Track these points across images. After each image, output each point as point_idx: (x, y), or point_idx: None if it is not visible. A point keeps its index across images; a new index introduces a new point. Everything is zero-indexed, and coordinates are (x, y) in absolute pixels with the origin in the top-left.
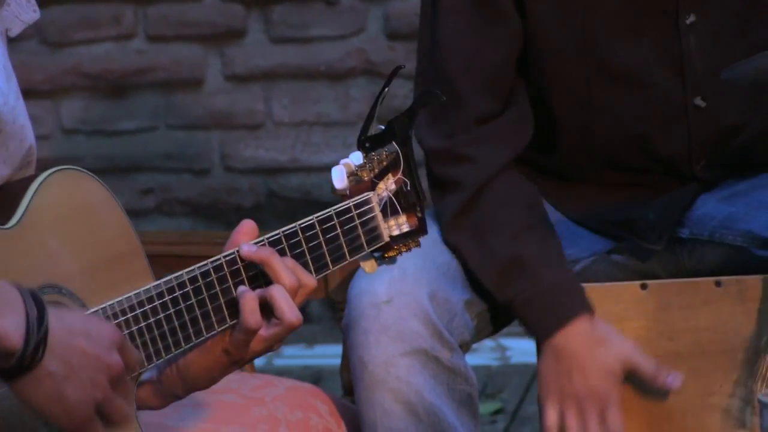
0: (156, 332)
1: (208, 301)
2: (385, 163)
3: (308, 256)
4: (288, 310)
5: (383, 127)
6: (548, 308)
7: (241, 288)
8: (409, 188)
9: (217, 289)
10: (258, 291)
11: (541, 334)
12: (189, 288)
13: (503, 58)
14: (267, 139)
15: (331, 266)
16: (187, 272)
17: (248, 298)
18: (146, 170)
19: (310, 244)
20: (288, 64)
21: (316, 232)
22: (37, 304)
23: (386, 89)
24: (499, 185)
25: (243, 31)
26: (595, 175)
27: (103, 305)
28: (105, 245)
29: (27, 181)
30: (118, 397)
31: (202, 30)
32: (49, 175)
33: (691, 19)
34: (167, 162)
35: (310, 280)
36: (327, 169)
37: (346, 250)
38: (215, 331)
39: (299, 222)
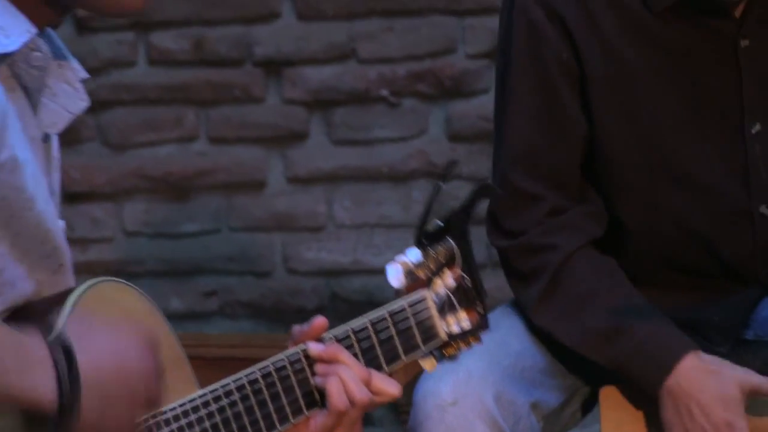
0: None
1: (282, 393)
2: (442, 260)
3: (361, 358)
4: (357, 390)
5: (440, 223)
6: (653, 356)
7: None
8: (468, 284)
9: (293, 380)
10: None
11: (653, 383)
12: (261, 384)
13: (570, 158)
14: (329, 241)
15: (385, 367)
16: (259, 368)
17: (333, 382)
18: (208, 272)
19: (363, 346)
20: (349, 166)
21: (369, 334)
22: (65, 351)
23: (442, 185)
24: (578, 262)
25: (305, 133)
26: (660, 278)
27: (172, 405)
28: None
29: (64, 295)
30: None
31: (263, 132)
32: (87, 288)
33: (757, 128)
34: (229, 264)
35: (392, 388)
36: None
37: (401, 349)
38: (291, 423)
39: (351, 323)
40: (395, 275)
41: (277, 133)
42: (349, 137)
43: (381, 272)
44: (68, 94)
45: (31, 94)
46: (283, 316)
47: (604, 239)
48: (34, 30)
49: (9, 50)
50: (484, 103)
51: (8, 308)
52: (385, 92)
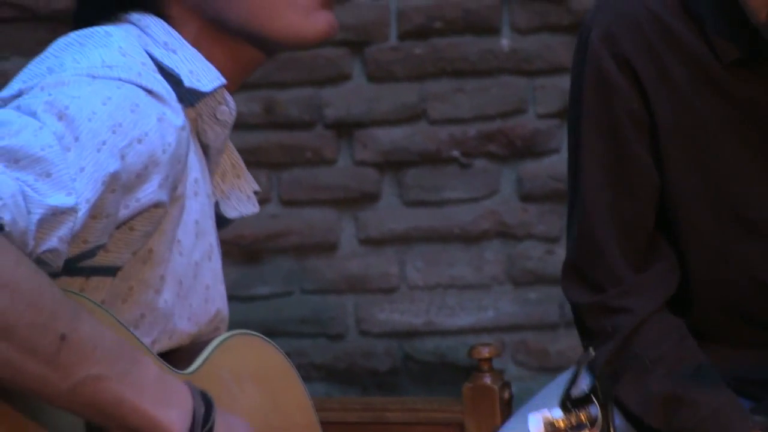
0: None
1: None
2: (583, 420)
3: None
4: None
5: (586, 389)
6: None
7: None
8: None
9: None
10: None
11: None
12: None
13: (643, 211)
14: (401, 303)
15: None
16: None
17: None
18: (281, 335)
19: None
20: (421, 227)
21: None
22: (205, 403)
23: (578, 373)
24: (650, 326)
25: (376, 195)
26: (732, 333)
27: None
28: (282, 413)
29: (209, 338)
30: None
31: (335, 194)
32: (230, 336)
33: None
34: (302, 327)
35: None
36: (462, 332)
37: None
38: None
39: None
40: (536, 426)
41: (349, 195)
42: (421, 198)
43: (454, 333)
44: (240, 200)
45: (210, 157)
46: (356, 378)
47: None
48: (223, 79)
49: (202, 90)
50: (555, 163)
51: (161, 350)
52: (456, 153)
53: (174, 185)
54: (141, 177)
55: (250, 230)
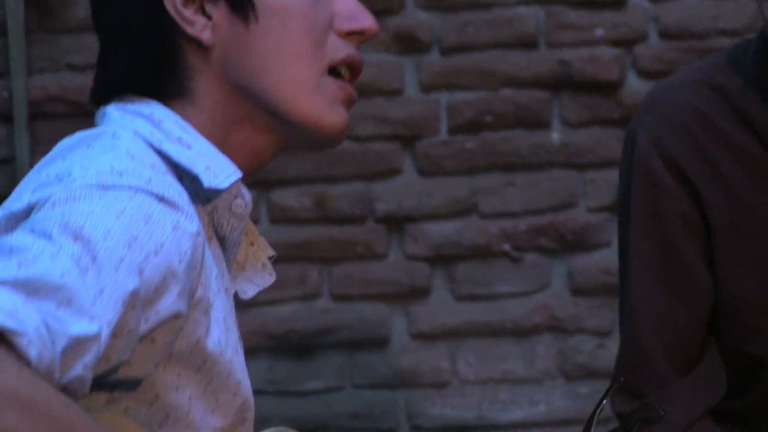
0: None
1: None
2: None
3: None
4: None
5: None
6: None
7: None
8: None
9: None
10: None
11: None
12: None
13: (694, 318)
14: (453, 397)
15: None
16: None
17: None
18: (333, 430)
19: None
20: (473, 322)
21: None
22: None
23: (604, 402)
24: None
25: (427, 289)
26: None
27: None
28: None
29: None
30: None
31: (386, 288)
32: None
33: None
34: (354, 422)
35: None
36: (514, 426)
37: None
38: None
39: None
40: None
41: (400, 290)
42: (472, 292)
43: (506, 428)
44: (256, 270)
45: (228, 248)
46: None
47: (732, 380)
48: (239, 173)
49: (220, 187)
50: (606, 257)
51: None
52: (506, 247)
53: (191, 292)
54: (159, 290)
55: (301, 325)
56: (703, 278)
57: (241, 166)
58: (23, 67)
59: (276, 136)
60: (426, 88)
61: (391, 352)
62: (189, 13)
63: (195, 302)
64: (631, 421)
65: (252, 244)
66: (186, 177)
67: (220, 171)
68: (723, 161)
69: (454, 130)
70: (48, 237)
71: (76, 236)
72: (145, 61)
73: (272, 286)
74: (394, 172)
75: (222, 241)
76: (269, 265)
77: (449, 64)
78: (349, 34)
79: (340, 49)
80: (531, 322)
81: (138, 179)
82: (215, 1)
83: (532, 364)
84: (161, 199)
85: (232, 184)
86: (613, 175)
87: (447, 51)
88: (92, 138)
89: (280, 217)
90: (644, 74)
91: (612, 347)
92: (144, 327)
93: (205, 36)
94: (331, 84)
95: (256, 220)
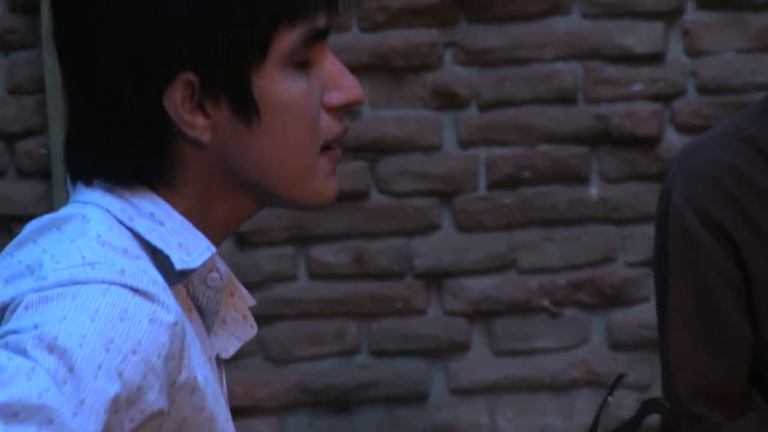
0: None
1: None
2: None
3: None
4: None
5: None
6: None
7: None
8: None
9: None
10: None
11: None
12: None
13: (735, 370)
14: None
15: None
16: None
17: None
18: None
19: None
20: (511, 377)
21: None
22: None
23: (609, 398)
24: None
25: (466, 345)
26: None
27: None
28: None
29: None
30: None
31: (425, 344)
32: None
33: None
34: None
35: None
36: None
37: None
38: None
39: None
40: None
41: (439, 345)
42: (511, 347)
43: None
44: (237, 321)
45: (206, 316)
46: None
47: None
48: (213, 248)
49: (191, 267)
50: (645, 312)
51: None
52: (545, 302)
53: (172, 382)
54: (141, 388)
55: (340, 380)
56: (744, 332)
57: (218, 236)
58: (61, 124)
59: (261, 206)
60: (464, 143)
61: (430, 408)
62: (189, 115)
63: (178, 387)
64: (639, 415)
65: (232, 294)
66: (160, 253)
67: (192, 248)
68: (758, 212)
69: (492, 186)
70: (23, 353)
71: (51, 348)
72: (133, 151)
73: (311, 342)
74: (432, 227)
75: (199, 309)
76: (250, 317)
77: (487, 119)
78: (338, 109)
79: (332, 128)
80: (570, 377)
81: (110, 271)
82: (216, 102)
83: (570, 419)
84: (135, 291)
85: (206, 260)
86: (651, 230)
87: (485, 106)
88: (63, 221)
89: (319, 273)
90: (682, 129)
91: None
92: (129, 426)
93: (204, 137)
94: (324, 161)
95: (294, 277)
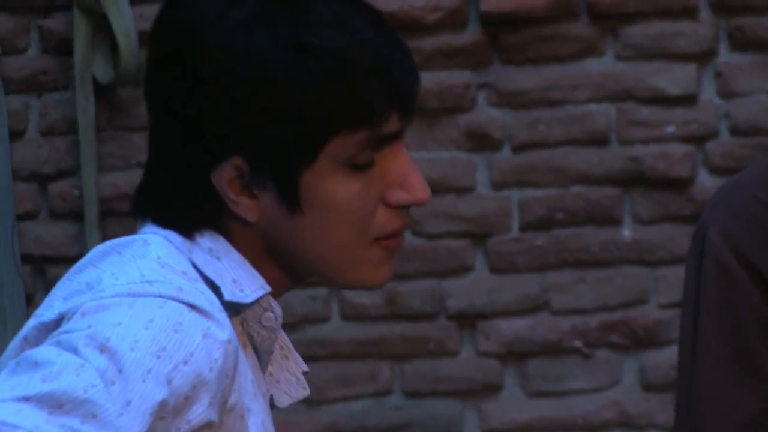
0: None
1: None
2: None
3: None
4: None
5: None
6: None
7: None
8: None
9: None
10: None
11: None
12: None
13: (763, 411)
14: None
15: None
16: None
17: None
18: None
19: None
20: (544, 418)
21: None
22: None
23: None
24: None
25: (499, 386)
26: None
27: None
28: None
29: None
30: None
31: (458, 385)
32: None
33: None
34: None
35: None
36: None
37: None
38: None
39: None
40: None
41: (472, 386)
42: (543, 389)
43: None
44: (290, 383)
45: (260, 356)
46: None
47: None
48: (268, 287)
49: (244, 301)
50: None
51: None
52: (578, 344)
53: (224, 399)
54: (189, 399)
55: (373, 422)
56: None
57: (276, 288)
58: (94, 165)
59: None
60: (497, 185)
61: None
62: (235, 195)
63: (228, 408)
64: None
65: (286, 357)
66: (214, 288)
67: (246, 285)
68: None
69: (525, 227)
70: (74, 350)
71: (102, 348)
72: (187, 209)
73: (343, 383)
74: (465, 269)
75: (254, 349)
76: (303, 380)
77: (520, 161)
78: (399, 207)
79: (388, 224)
80: (602, 418)
81: (168, 288)
82: (263, 187)
83: None
84: (192, 307)
85: (260, 298)
86: (683, 272)
87: (518, 148)
88: (124, 245)
89: (352, 314)
90: (715, 171)
91: None
92: None
93: (250, 216)
94: (376, 250)
95: (327, 318)
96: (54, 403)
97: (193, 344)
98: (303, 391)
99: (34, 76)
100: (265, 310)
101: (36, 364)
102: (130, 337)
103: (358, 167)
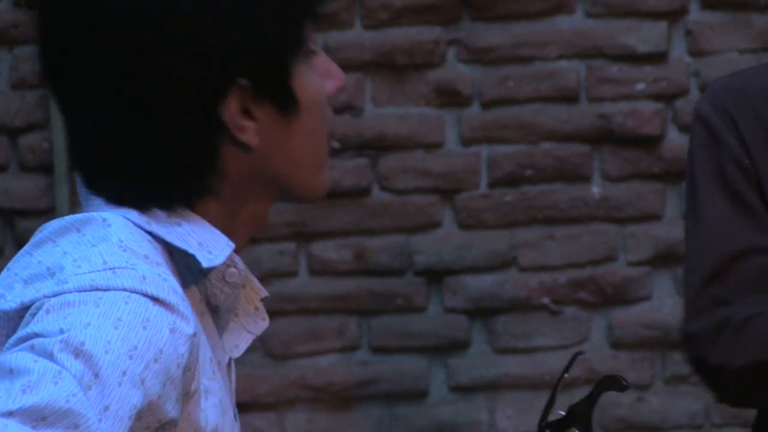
0: None
1: None
2: None
3: None
4: None
5: (563, 413)
6: None
7: None
8: None
9: None
10: None
11: None
12: None
13: (752, 244)
14: None
15: None
16: None
17: None
18: None
19: None
20: (511, 374)
21: None
22: None
23: (566, 375)
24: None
25: (466, 342)
26: None
27: None
28: None
29: None
30: None
31: (425, 341)
32: None
33: None
34: None
35: None
36: None
37: None
38: None
39: None
40: None
41: (439, 342)
42: (511, 345)
43: None
44: (248, 313)
45: (220, 316)
46: None
47: None
48: (232, 244)
49: (215, 264)
50: (646, 311)
51: None
52: (546, 300)
53: (185, 391)
54: (161, 397)
55: (340, 377)
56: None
57: (243, 238)
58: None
59: (273, 202)
60: (466, 141)
61: (430, 405)
62: (242, 120)
63: (188, 398)
64: (595, 392)
65: (244, 285)
66: (177, 253)
67: (213, 246)
68: None
69: (494, 184)
70: (49, 356)
71: (77, 353)
72: (175, 170)
73: (311, 338)
74: (433, 225)
75: (215, 309)
76: (262, 309)
77: (489, 117)
78: (332, 97)
79: (331, 119)
80: (570, 375)
81: (132, 278)
82: (260, 103)
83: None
84: (156, 300)
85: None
86: (653, 229)
87: (487, 104)
88: (83, 223)
89: (320, 270)
90: (685, 129)
91: (651, 401)
92: None
93: (253, 141)
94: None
95: (295, 273)
96: (37, 417)
97: (162, 341)
98: (262, 322)
99: (6, 30)
100: (228, 266)
101: (11, 372)
102: (102, 339)
103: (312, 54)
